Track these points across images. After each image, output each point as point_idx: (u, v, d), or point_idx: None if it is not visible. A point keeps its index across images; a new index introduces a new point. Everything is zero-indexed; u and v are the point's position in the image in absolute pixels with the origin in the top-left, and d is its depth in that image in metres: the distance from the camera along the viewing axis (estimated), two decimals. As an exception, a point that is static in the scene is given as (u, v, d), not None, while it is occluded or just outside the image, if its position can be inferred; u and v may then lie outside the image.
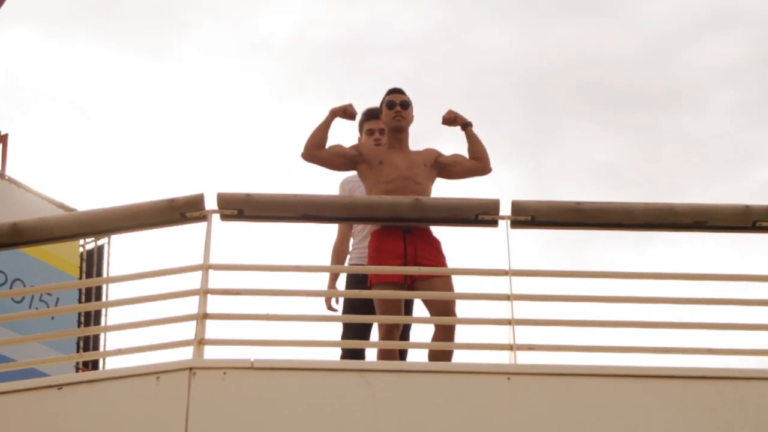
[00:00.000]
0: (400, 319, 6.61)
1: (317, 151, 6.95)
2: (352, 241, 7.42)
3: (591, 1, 29.59)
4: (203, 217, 6.14)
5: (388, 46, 29.49)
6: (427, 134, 7.31)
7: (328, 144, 7.00)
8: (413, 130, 7.16)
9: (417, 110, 7.16)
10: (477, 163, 7.06)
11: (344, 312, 7.05)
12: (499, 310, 6.01)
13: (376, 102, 7.27)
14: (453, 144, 7.05)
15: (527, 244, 6.69)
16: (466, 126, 7.09)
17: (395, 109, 7.07)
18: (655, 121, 29.87)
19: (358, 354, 6.75)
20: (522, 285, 6.02)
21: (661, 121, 29.87)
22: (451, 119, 7.12)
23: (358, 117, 7.36)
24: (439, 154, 7.08)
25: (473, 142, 7.07)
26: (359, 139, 7.55)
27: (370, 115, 7.53)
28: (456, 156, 7.09)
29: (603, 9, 29.65)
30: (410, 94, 7.16)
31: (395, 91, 7.15)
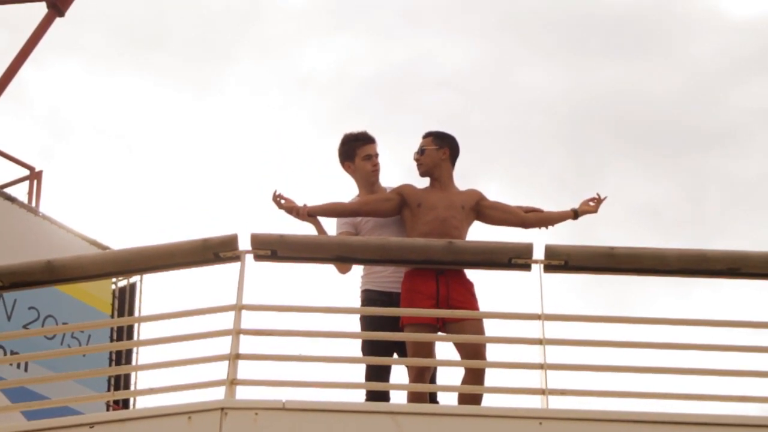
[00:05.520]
0: (431, 362, 6.60)
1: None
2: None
3: (635, 40, 29.55)
4: (237, 257, 6.16)
5: (430, 83, 29.54)
6: (470, 171, 7.28)
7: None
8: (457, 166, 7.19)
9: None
10: (528, 219, 7.05)
11: (365, 345, 6.96)
12: (532, 354, 6.00)
13: (416, 140, 7.24)
14: (495, 180, 7.08)
15: (563, 285, 6.68)
16: (577, 215, 7.11)
17: (415, 158, 7.12)
18: (698, 162, 29.76)
19: (383, 393, 6.73)
20: (554, 329, 6.01)
21: (705, 162, 29.74)
22: (599, 202, 7.11)
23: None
24: (481, 198, 7.07)
25: (557, 219, 7.11)
26: (349, 166, 7.40)
27: (366, 139, 7.40)
28: (499, 203, 7.08)
29: (648, 48, 29.61)
30: (453, 131, 7.21)
31: (422, 138, 7.18)
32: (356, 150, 7.37)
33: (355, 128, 7.42)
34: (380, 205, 7.06)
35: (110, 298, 14.72)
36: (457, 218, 6.94)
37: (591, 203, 7.10)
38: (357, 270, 7.21)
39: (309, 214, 6.99)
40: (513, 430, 5.58)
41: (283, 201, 7.00)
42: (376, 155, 7.36)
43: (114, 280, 14.68)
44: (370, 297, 7.11)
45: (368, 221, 7.18)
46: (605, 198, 7.10)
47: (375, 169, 7.34)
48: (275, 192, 6.99)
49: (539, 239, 6.31)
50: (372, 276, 7.18)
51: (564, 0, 28.71)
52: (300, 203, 7.00)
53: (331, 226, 7.20)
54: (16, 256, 10.04)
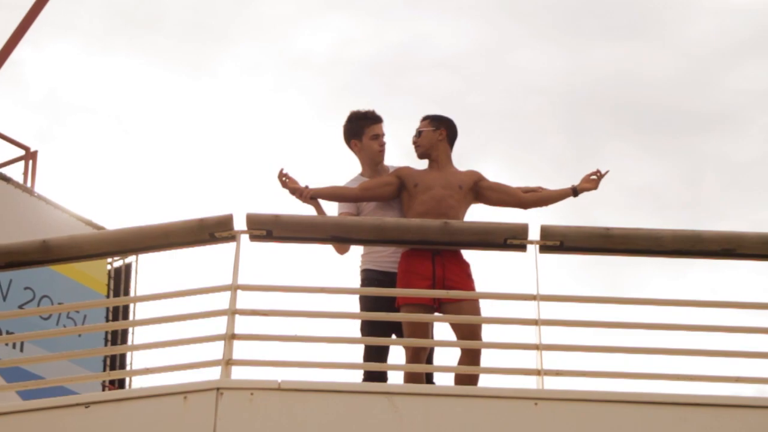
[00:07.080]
0: (426, 342, 6.60)
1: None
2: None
3: (633, 21, 29.45)
4: (232, 237, 6.16)
5: (427, 65, 29.42)
6: (467, 152, 7.25)
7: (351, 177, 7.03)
8: (455, 148, 7.18)
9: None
10: (527, 199, 7.03)
11: (365, 326, 6.96)
12: (527, 334, 6.01)
13: (414, 122, 7.23)
14: (492, 161, 7.07)
15: (560, 266, 6.68)
16: (576, 193, 7.07)
17: (413, 141, 7.12)
18: (695, 144, 29.72)
19: (380, 374, 6.72)
20: (550, 310, 6.01)
21: (702, 144, 29.70)
22: (600, 178, 7.07)
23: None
24: (480, 178, 7.05)
25: (556, 197, 7.08)
26: (355, 144, 7.32)
27: (375, 119, 7.32)
28: (497, 183, 7.07)
29: (645, 30, 29.52)
30: (450, 113, 7.18)
31: (420, 121, 7.17)
32: (364, 129, 7.30)
33: (362, 106, 7.36)
34: (380, 190, 7.05)
35: (106, 278, 14.73)
36: (454, 198, 6.93)
37: (592, 177, 7.07)
38: (356, 250, 7.20)
39: (311, 197, 6.98)
40: (509, 411, 5.59)
41: (287, 180, 6.99)
42: (383, 135, 7.31)
43: (109, 260, 14.69)
44: (369, 277, 7.09)
45: (369, 203, 7.17)
46: (606, 172, 7.06)
47: (381, 149, 7.30)
48: (281, 170, 6.98)
49: (535, 220, 6.30)
50: (372, 255, 7.15)
51: (561, -18, 28.66)
52: (303, 185, 6.99)
53: (332, 207, 7.18)
54: (11, 235, 10.04)
